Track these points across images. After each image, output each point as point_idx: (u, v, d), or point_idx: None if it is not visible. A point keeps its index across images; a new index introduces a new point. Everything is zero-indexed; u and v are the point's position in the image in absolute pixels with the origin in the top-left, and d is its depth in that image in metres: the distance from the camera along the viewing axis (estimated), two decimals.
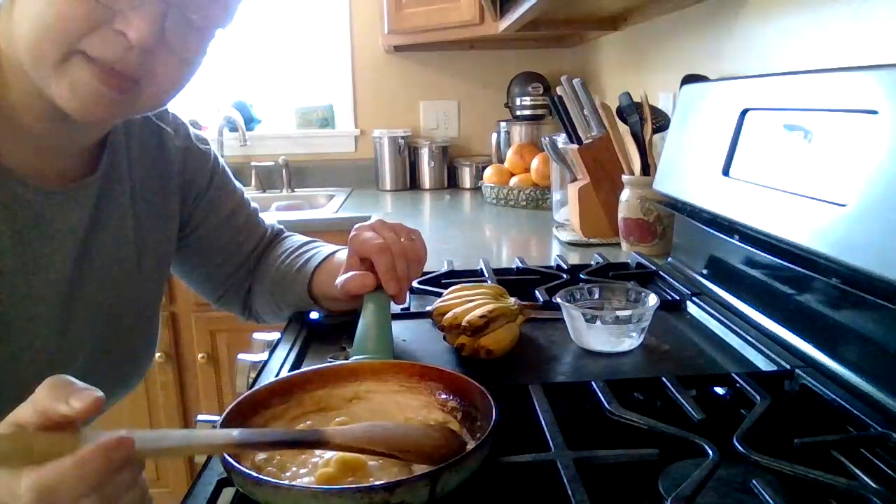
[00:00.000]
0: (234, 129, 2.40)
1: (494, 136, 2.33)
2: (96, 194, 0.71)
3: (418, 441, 0.47)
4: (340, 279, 0.76)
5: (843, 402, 0.57)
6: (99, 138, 0.72)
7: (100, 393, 0.42)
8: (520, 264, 1.06)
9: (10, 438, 0.40)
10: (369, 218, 0.80)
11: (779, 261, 0.75)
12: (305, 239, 0.95)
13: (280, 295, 0.88)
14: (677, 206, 1.01)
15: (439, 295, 0.79)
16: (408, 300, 0.91)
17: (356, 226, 0.78)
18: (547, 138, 1.53)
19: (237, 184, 0.94)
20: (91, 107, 0.59)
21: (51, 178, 0.67)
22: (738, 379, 0.61)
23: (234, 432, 0.43)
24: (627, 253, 1.24)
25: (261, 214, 0.96)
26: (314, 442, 0.45)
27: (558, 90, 1.44)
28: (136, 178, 0.77)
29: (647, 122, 1.26)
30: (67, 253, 0.68)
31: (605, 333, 0.72)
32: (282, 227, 0.99)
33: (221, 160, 0.91)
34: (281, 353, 0.73)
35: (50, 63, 0.57)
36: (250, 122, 2.54)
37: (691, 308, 0.86)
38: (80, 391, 0.41)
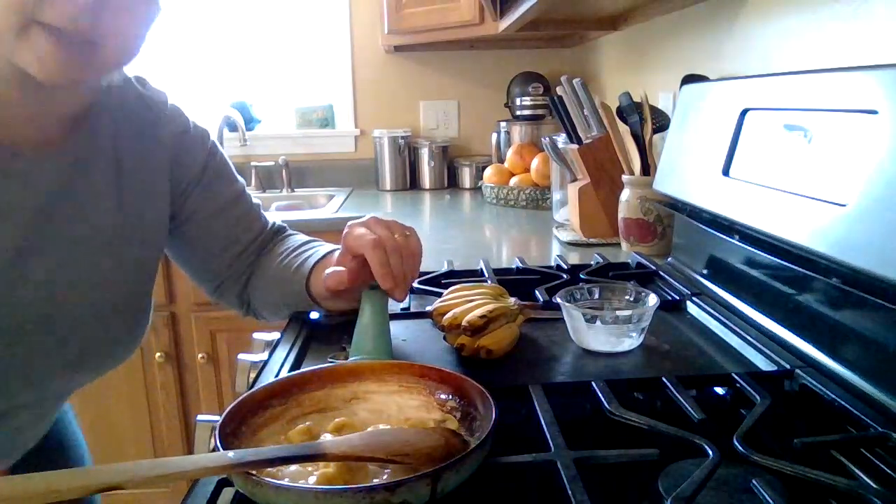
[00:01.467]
0: (233, 129, 2.40)
1: (494, 136, 2.32)
2: (70, 164, 0.71)
3: (417, 444, 0.47)
4: (324, 276, 0.76)
5: (843, 402, 0.57)
6: (75, 111, 0.72)
7: None
8: (520, 264, 1.06)
9: None
10: None
11: (779, 261, 0.75)
12: (306, 238, 0.95)
13: (279, 293, 0.88)
14: (677, 206, 1.01)
15: (439, 295, 0.79)
16: (408, 300, 0.91)
17: (349, 223, 0.78)
18: (547, 138, 1.53)
19: (239, 177, 0.94)
20: (54, 71, 0.59)
21: (23, 149, 0.68)
22: (738, 379, 0.61)
23: (230, 454, 0.43)
24: (627, 253, 1.24)
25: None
26: (312, 456, 0.45)
27: (558, 90, 1.44)
28: (122, 153, 0.77)
29: (647, 122, 1.26)
30: (23, 217, 0.68)
31: (605, 333, 0.72)
32: (284, 224, 0.99)
33: (221, 150, 0.92)
34: (281, 353, 0.74)
35: (12, 34, 0.58)
36: (250, 122, 2.54)
37: (691, 308, 0.86)
38: None
